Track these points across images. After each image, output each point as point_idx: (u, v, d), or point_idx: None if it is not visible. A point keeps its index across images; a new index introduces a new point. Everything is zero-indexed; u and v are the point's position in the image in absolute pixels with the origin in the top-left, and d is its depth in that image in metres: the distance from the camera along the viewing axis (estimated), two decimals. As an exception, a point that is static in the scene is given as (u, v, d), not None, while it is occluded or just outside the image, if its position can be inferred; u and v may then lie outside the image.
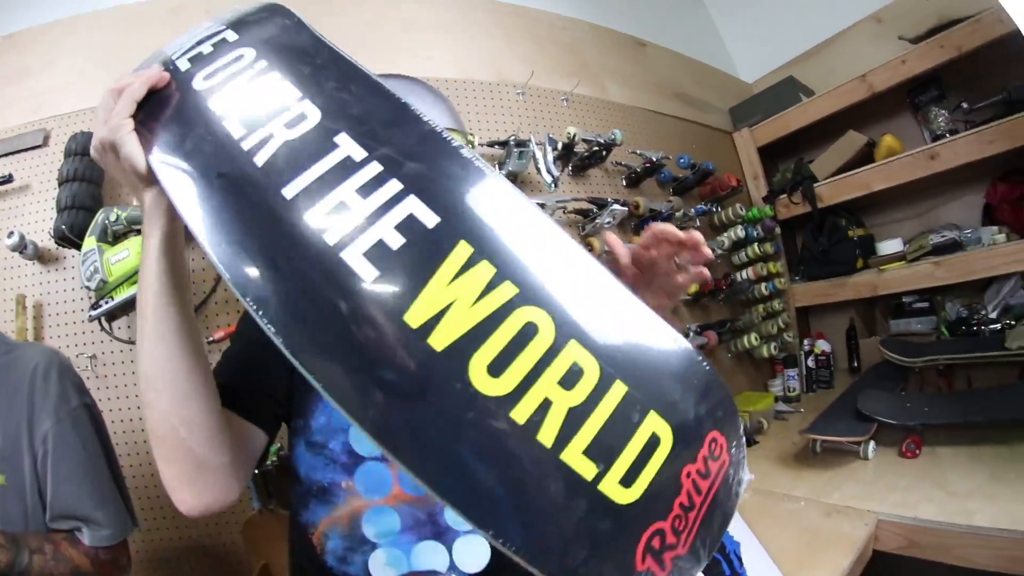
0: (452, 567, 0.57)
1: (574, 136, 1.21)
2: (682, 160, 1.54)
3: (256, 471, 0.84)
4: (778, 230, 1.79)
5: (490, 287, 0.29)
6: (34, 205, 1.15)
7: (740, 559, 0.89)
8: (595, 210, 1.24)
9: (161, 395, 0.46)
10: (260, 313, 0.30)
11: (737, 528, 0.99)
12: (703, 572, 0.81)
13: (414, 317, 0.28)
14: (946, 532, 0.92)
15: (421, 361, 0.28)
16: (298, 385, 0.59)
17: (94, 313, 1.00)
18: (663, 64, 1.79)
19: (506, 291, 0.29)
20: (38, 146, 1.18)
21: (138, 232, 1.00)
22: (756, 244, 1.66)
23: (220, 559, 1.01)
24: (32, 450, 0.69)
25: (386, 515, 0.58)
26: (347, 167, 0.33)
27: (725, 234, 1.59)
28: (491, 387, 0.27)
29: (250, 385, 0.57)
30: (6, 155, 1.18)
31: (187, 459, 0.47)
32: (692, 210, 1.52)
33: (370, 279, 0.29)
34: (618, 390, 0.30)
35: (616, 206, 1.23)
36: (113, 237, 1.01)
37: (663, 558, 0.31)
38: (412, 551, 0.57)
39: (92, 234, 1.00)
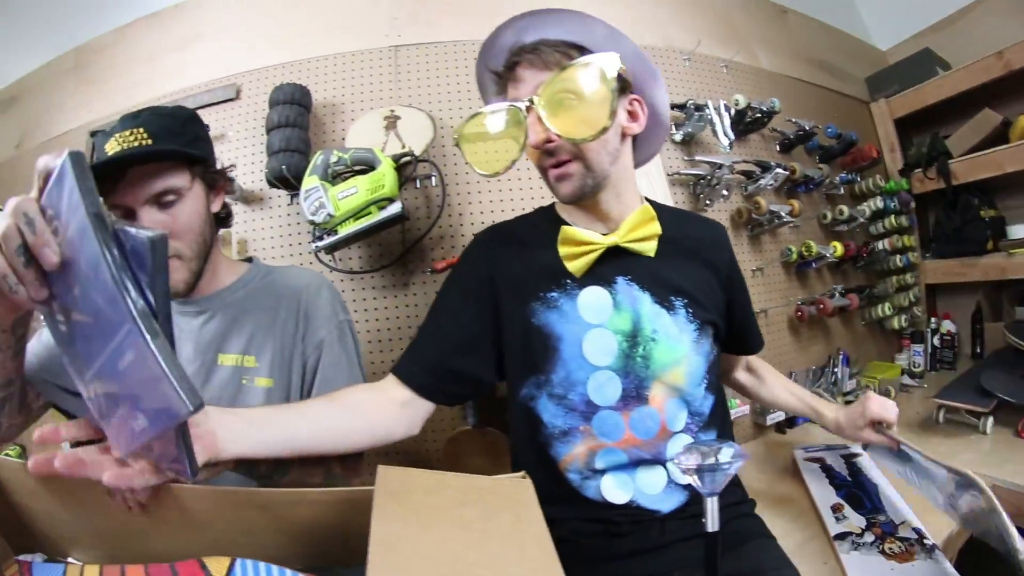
0: (669, 482, 0.72)
1: (747, 105, 1.31)
2: (829, 129, 1.61)
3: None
4: (913, 204, 1.83)
5: None
6: (231, 152, 1.29)
7: (879, 497, 1.01)
8: (759, 172, 1.35)
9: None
10: None
11: (875, 474, 1.11)
12: (853, 508, 0.94)
13: None
14: (1058, 504, 0.95)
15: None
16: (535, 347, 0.71)
17: (319, 244, 1.10)
18: (803, 31, 1.84)
19: None
20: (231, 99, 1.33)
21: (360, 172, 1.09)
22: (893, 216, 1.72)
23: (419, 465, 1.16)
24: (304, 356, 0.79)
25: (616, 454, 0.70)
26: None
27: (865, 203, 1.65)
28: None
29: (448, 371, 0.73)
30: (201, 108, 1.31)
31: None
32: (837, 178, 1.60)
33: None
34: None
35: (779, 170, 1.33)
36: (332, 176, 1.08)
37: None
38: (635, 473, 0.71)
39: (313, 173, 1.07)
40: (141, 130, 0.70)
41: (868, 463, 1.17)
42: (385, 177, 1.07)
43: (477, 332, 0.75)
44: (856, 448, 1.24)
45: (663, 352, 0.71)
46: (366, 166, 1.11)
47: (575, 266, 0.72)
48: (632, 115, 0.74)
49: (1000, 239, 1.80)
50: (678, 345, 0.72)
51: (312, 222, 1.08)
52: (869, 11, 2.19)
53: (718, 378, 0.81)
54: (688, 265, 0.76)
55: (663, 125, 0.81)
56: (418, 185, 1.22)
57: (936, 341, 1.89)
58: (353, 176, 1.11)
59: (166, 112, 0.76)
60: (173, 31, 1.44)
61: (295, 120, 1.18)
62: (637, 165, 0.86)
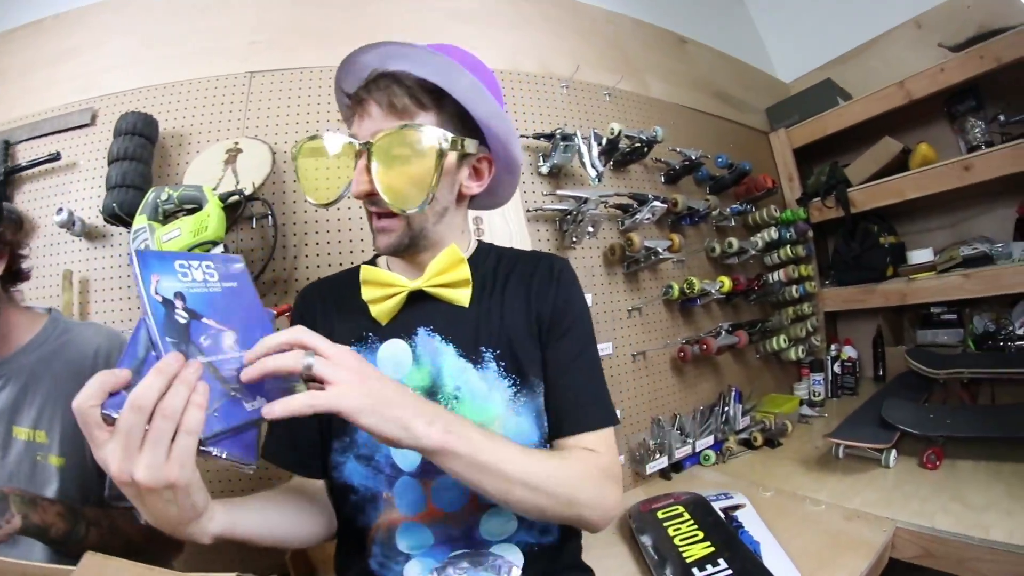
0: None
1: (619, 132, 1.22)
2: (720, 159, 1.54)
3: None
4: (811, 233, 1.79)
5: None
6: (81, 183, 1.16)
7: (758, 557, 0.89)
8: (635, 205, 1.26)
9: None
10: None
11: (757, 530, 1.01)
12: (729, 564, 0.83)
13: None
14: (961, 544, 0.92)
15: None
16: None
17: None
18: (703, 61, 1.78)
19: None
20: (85, 125, 1.18)
21: (188, 212, 0.99)
22: (789, 246, 1.67)
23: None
24: None
25: (419, 531, 0.60)
26: None
27: (759, 235, 1.59)
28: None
29: (307, 449, 0.66)
30: (54, 133, 1.19)
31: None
32: (728, 209, 1.52)
33: None
34: None
35: (656, 203, 1.24)
36: (164, 216, 0.99)
37: None
38: (445, 557, 0.60)
39: (143, 212, 0.98)
40: None
41: (751, 515, 1.07)
42: (210, 218, 0.96)
43: None
44: (739, 498, 1.14)
45: (468, 412, 0.60)
46: (195, 205, 1.00)
47: (380, 311, 0.64)
48: (477, 173, 0.66)
49: (900, 265, 1.78)
50: (487, 404, 0.61)
51: (139, 264, 0.97)
52: (773, 44, 2.18)
53: None
54: (509, 311, 0.65)
55: (513, 180, 0.73)
56: (254, 225, 1.09)
57: (837, 368, 1.84)
58: (184, 216, 1.00)
59: None
60: (50, 44, 1.28)
61: (134, 152, 1.07)
62: (478, 208, 0.77)
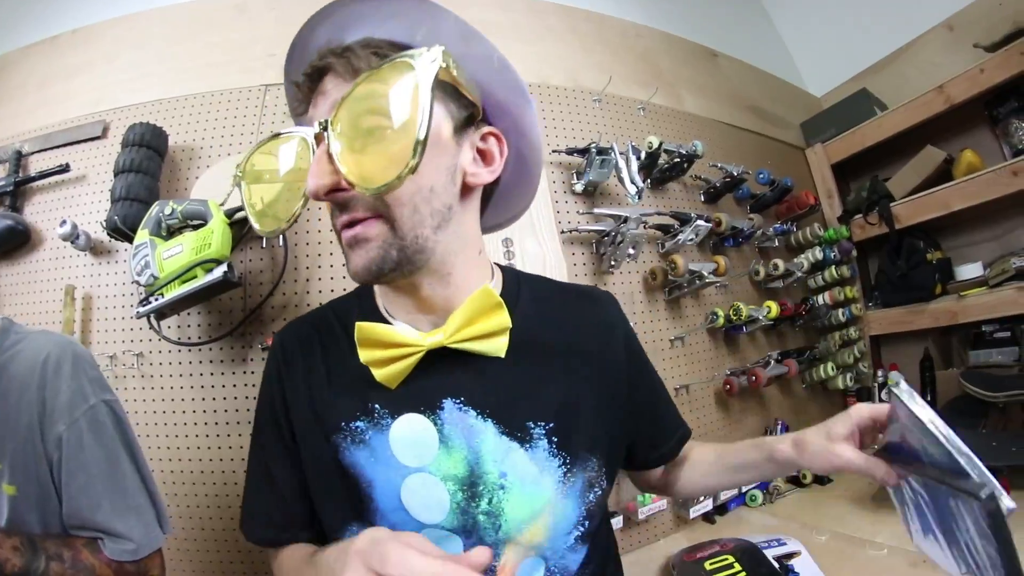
0: None
1: (659, 146, 1.04)
2: (761, 176, 1.35)
3: None
4: (855, 252, 1.57)
5: None
6: (89, 196, 1.06)
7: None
8: (677, 225, 1.07)
9: None
10: None
11: None
12: None
13: None
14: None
15: None
16: (352, 492, 0.47)
17: (142, 310, 0.86)
18: (735, 75, 1.60)
19: None
20: (96, 137, 1.10)
21: (194, 228, 0.88)
22: (833, 267, 1.45)
23: (255, 564, 0.90)
24: (47, 455, 0.57)
25: None
26: None
27: (803, 255, 1.38)
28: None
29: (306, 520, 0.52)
30: (65, 145, 1.11)
31: None
32: (771, 229, 1.32)
33: None
34: None
35: (700, 222, 1.06)
36: (167, 232, 0.89)
37: None
38: None
39: (145, 227, 0.88)
40: None
41: (807, 564, 0.90)
42: (213, 235, 0.85)
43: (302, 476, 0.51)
44: (793, 544, 0.95)
45: (518, 504, 0.44)
46: (200, 221, 0.88)
47: (386, 375, 0.44)
48: (484, 156, 0.46)
49: (948, 282, 1.56)
50: (538, 491, 0.45)
51: (137, 282, 0.87)
52: (802, 57, 1.98)
53: (601, 522, 0.52)
54: (558, 367, 0.49)
55: (533, 170, 0.53)
56: (264, 244, 0.96)
57: (884, 396, 1.60)
58: (189, 232, 0.89)
59: None
60: (65, 58, 1.22)
61: (140, 165, 0.96)
62: (492, 228, 0.57)
